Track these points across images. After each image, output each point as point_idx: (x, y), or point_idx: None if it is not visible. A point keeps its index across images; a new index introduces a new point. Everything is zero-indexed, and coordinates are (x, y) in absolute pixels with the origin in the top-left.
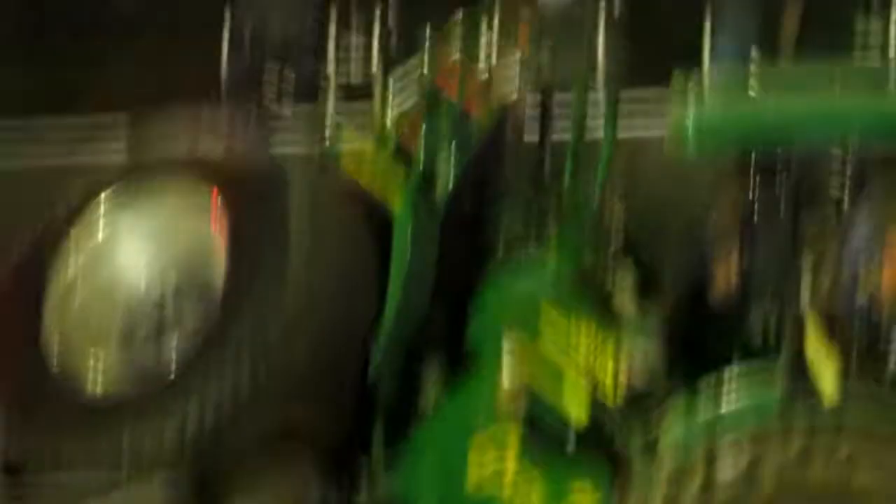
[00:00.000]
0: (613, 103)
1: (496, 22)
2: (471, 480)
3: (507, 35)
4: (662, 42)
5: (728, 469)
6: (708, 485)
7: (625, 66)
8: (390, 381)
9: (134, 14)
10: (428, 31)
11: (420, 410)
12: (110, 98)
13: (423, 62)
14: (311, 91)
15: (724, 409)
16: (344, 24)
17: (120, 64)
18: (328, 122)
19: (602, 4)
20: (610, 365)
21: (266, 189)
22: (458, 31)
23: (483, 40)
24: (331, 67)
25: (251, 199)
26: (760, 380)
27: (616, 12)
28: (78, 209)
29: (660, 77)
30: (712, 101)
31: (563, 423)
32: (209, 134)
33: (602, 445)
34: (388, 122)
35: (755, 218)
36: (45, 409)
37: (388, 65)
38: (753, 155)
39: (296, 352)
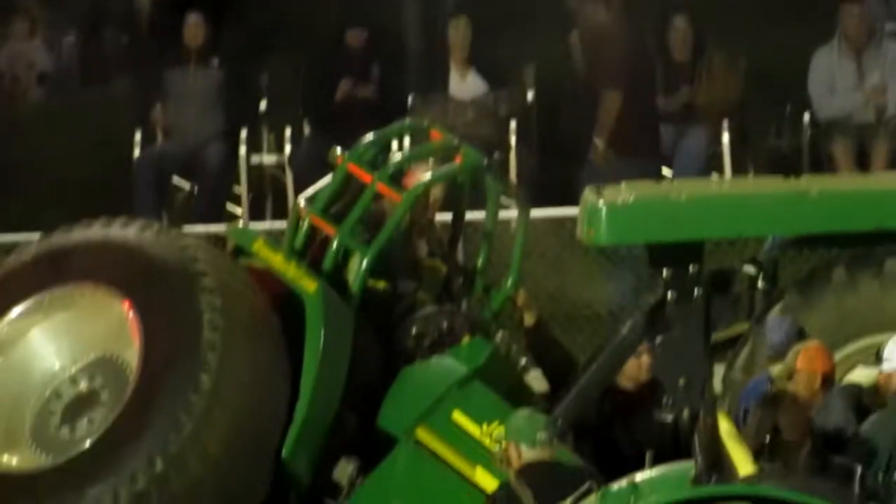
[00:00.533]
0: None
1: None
2: None
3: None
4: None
5: None
6: None
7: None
8: (304, 465)
9: None
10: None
11: (335, 497)
12: None
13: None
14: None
15: (638, 482)
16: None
17: None
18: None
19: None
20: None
21: (179, 281)
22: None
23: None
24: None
25: (164, 294)
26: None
27: None
28: None
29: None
30: (624, 191)
31: None
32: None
33: None
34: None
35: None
36: None
37: None
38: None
39: (211, 444)
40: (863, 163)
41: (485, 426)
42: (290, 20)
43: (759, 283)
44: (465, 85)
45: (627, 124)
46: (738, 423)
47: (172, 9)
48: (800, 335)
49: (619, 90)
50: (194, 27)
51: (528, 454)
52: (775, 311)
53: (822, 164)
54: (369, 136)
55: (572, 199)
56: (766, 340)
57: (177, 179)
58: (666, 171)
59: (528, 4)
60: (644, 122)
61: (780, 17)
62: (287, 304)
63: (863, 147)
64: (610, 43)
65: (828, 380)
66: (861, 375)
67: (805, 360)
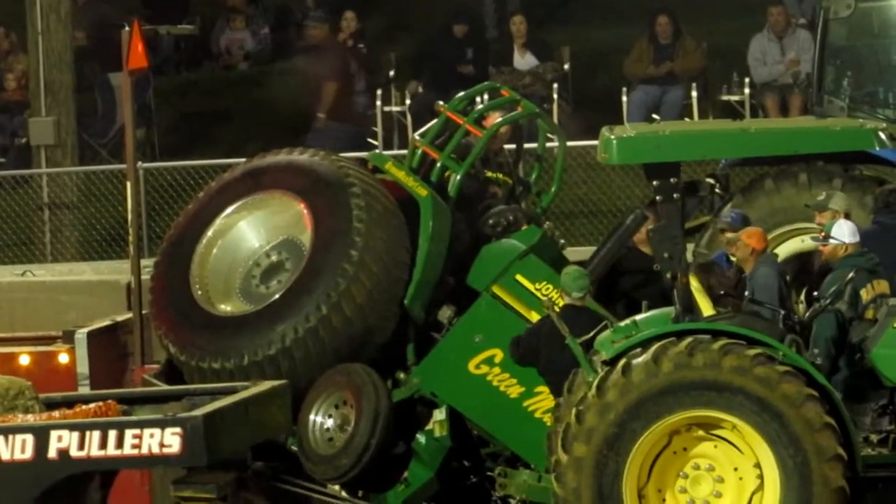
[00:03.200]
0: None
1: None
2: (471, 368)
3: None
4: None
5: (639, 358)
6: (627, 369)
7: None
8: (419, 310)
9: None
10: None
11: (440, 331)
12: None
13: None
14: None
15: (638, 320)
16: None
17: None
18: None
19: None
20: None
21: (337, 189)
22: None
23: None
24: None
25: (328, 197)
26: (662, 312)
27: None
28: (212, 200)
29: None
30: (627, 129)
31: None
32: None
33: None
34: (416, 144)
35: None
36: (191, 323)
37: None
38: (656, 165)
39: (358, 296)
40: (784, 111)
41: (537, 284)
42: (413, 13)
43: (717, 190)
44: (524, 60)
45: None
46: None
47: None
48: (745, 222)
49: None
50: (348, 19)
51: (569, 299)
52: (727, 207)
53: (757, 112)
54: (461, 94)
55: (594, 135)
56: (727, 221)
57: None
58: (655, 116)
59: (566, 5)
60: None
61: (730, 14)
62: (408, 203)
63: (784, 100)
64: None
65: (762, 251)
66: (782, 250)
67: (747, 236)
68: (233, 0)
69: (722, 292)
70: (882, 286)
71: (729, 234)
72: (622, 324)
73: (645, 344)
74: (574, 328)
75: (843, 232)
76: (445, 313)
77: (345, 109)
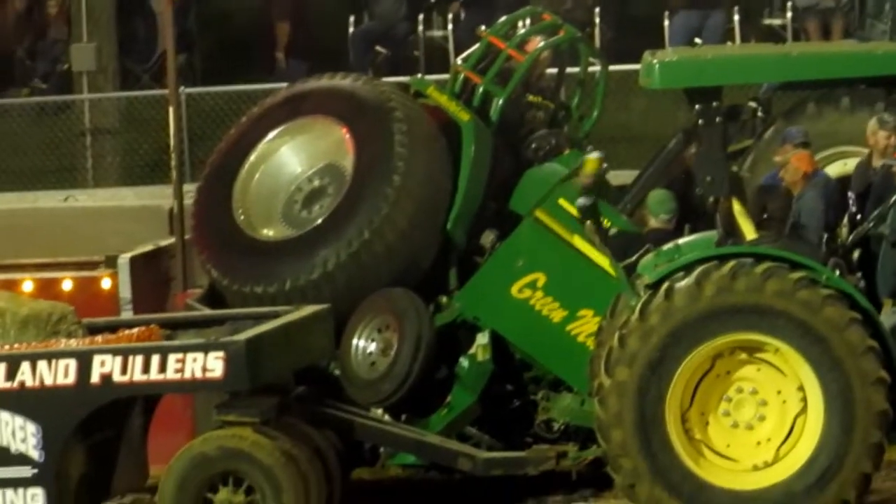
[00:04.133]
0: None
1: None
2: (513, 293)
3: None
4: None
5: (682, 282)
6: (669, 293)
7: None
8: (461, 234)
9: None
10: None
11: (482, 255)
12: None
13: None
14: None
15: (681, 244)
16: None
17: None
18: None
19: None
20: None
21: (379, 113)
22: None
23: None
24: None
25: (370, 122)
26: (705, 236)
27: None
28: (254, 125)
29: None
30: (669, 53)
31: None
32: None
33: None
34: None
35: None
36: (234, 248)
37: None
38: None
39: (400, 221)
40: (826, 35)
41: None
42: None
43: (759, 114)
44: None
45: None
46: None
47: None
48: (806, 139)
49: None
50: None
51: (656, 222)
52: (769, 132)
53: (799, 36)
54: (503, 18)
55: (636, 59)
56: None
57: (378, 47)
58: (697, 41)
59: None
60: None
61: None
62: (450, 128)
63: (826, 24)
64: None
65: (812, 174)
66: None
67: (797, 159)
68: None
69: (766, 216)
70: None
71: (778, 158)
72: (665, 248)
73: (688, 268)
74: (629, 252)
75: None
76: (488, 238)
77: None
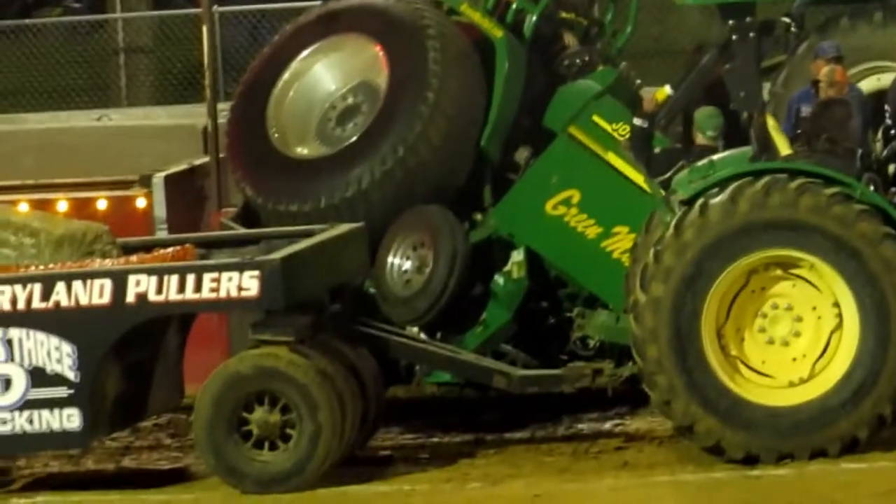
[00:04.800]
0: None
1: None
2: (548, 210)
3: None
4: None
5: (717, 198)
6: (704, 209)
7: None
8: (495, 151)
9: None
10: None
11: (517, 172)
12: None
13: None
14: None
15: (715, 160)
16: None
17: None
18: None
19: None
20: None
21: (413, 31)
22: None
23: None
24: None
25: (403, 39)
26: (739, 151)
27: None
28: (287, 43)
29: None
30: None
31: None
32: None
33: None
34: None
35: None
36: (268, 166)
37: None
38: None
39: (434, 138)
40: None
41: (614, 125)
42: None
43: (792, 29)
44: None
45: None
46: (791, 119)
47: None
48: (839, 53)
49: None
50: None
51: (703, 138)
52: (803, 46)
53: None
54: None
55: None
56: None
57: None
58: None
59: None
60: None
61: None
62: (483, 45)
63: None
64: None
65: (840, 85)
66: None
67: (829, 71)
68: None
69: (799, 131)
70: None
71: (824, 68)
72: (699, 164)
73: (722, 184)
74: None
75: None
76: (522, 154)
77: None
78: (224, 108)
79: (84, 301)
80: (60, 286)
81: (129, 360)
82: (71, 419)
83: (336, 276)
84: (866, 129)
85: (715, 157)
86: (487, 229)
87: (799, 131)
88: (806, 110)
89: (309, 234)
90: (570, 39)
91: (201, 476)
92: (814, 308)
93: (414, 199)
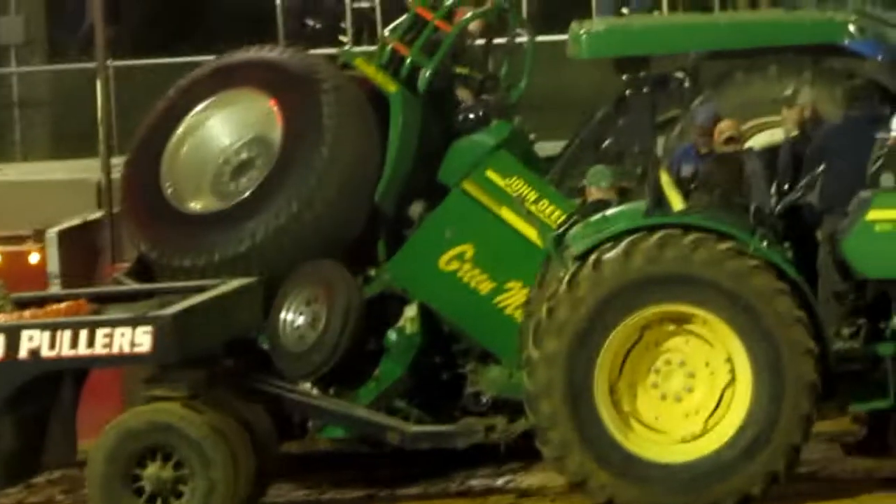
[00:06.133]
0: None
1: None
2: (441, 265)
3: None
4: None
5: (610, 253)
6: (598, 264)
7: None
8: (390, 206)
9: None
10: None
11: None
12: None
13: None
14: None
15: (608, 215)
16: None
17: None
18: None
19: None
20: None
21: (307, 85)
22: None
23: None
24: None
25: (298, 93)
26: (633, 206)
27: None
28: (182, 98)
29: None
30: (597, 23)
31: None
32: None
33: None
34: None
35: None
36: (162, 221)
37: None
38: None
39: (328, 192)
40: (753, 3)
41: (508, 180)
42: None
43: (686, 84)
44: None
45: None
46: (673, 174)
47: None
48: (716, 117)
49: None
50: None
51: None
52: (697, 101)
53: (727, 4)
54: None
55: (563, 29)
56: (693, 120)
57: (307, 19)
58: (624, 10)
59: None
60: None
61: None
62: (377, 99)
63: None
64: None
65: (735, 140)
66: (753, 143)
67: (720, 129)
68: None
69: (693, 185)
70: None
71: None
72: (593, 218)
73: (616, 238)
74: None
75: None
76: (416, 209)
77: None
78: (118, 162)
79: None
80: None
81: (21, 415)
82: None
83: (230, 330)
84: (759, 184)
85: (608, 211)
86: (381, 284)
87: (692, 186)
88: (686, 169)
89: (203, 289)
90: (464, 93)
91: None
92: (707, 364)
93: (308, 254)
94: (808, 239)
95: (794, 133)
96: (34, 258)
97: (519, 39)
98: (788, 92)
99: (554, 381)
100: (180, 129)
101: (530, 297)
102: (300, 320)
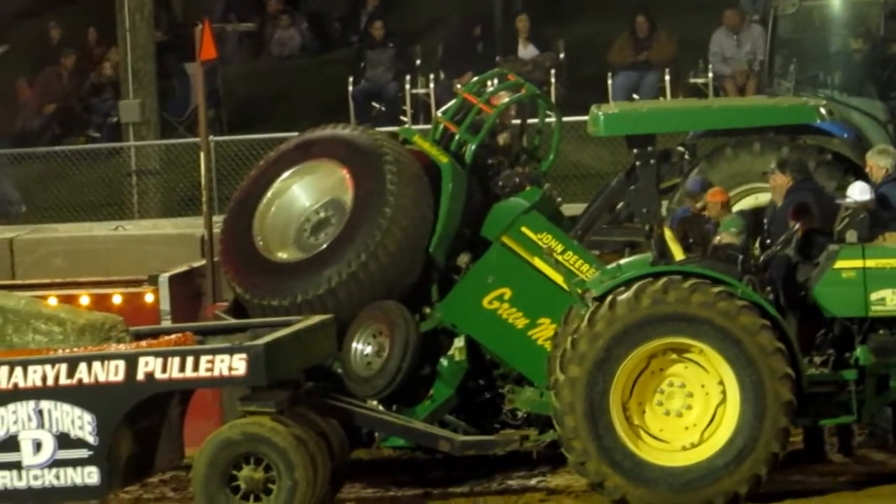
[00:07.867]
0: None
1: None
2: (484, 304)
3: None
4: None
5: (623, 295)
6: (613, 304)
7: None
8: (441, 256)
9: None
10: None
11: (459, 274)
12: None
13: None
14: None
15: (622, 264)
16: None
17: None
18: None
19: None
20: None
21: (374, 157)
22: (476, 84)
23: (489, 87)
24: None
25: (366, 164)
26: (642, 257)
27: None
28: (271, 167)
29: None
30: (612, 107)
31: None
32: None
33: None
34: (438, 120)
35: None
36: (254, 268)
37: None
38: (635, 136)
39: (391, 246)
40: (741, 92)
41: (538, 235)
42: (435, 12)
43: (686, 156)
44: (526, 51)
45: None
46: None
47: None
48: (704, 186)
49: None
50: (377, 27)
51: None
52: (694, 171)
53: (719, 92)
54: (475, 78)
55: (585, 112)
56: (688, 187)
57: (373, 102)
58: (635, 96)
59: (561, 3)
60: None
61: (697, 10)
62: (431, 169)
63: (741, 83)
64: None
65: (725, 206)
66: (740, 206)
67: (711, 195)
68: (272, 7)
69: (692, 240)
70: None
71: (694, 205)
72: (609, 267)
73: (628, 283)
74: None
75: (855, 191)
76: (463, 259)
77: None
78: (218, 220)
79: (102, 378)
80: (83, 366)
81: (139, 427)
82: (91, 475)
83: (309, 358)
84: (746, 240)
85: (622, 261)
86: (434, 321)
87: (691, 241)
88: (696, 225)
89: (287, 324)
90: (503, 164)
91: None
92: (702, 386)
93: (374, 296)
94: (787, 284)
95: (779, 199)
96: (149, 298)
97: (548, 120)
98: (772, 165)
99: (576, 400)
100: (269, 193)
101: (557, 331)
102: (368, 350)
